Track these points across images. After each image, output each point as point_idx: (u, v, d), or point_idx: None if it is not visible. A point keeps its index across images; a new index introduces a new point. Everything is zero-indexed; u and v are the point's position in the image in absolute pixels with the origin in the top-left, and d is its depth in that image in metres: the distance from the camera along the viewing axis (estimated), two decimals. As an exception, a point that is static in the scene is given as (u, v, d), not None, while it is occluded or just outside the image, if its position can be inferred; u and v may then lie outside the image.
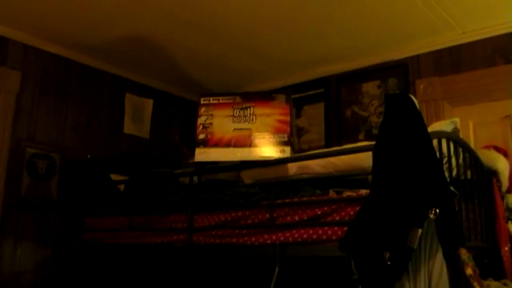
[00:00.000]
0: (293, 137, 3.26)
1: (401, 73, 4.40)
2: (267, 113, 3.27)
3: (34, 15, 3.96)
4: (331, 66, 4.78)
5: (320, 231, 2.68)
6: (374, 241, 2.25)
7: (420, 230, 2.15)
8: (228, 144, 3.26)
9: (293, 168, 3.04)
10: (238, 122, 3.29)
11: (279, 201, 2.91)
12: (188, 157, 3.58)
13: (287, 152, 3.12)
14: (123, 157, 4.62)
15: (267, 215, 2.91)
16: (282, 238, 2.83)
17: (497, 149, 3.26)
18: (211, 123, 3.34)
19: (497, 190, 3.06)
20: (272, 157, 3.09)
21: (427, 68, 4.29)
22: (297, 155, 3.22)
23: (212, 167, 3.44)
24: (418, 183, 2.21)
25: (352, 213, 2.57)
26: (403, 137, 2.30)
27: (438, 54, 4.25)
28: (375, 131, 4.40)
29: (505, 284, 2.74)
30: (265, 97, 3.33)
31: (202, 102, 3.43)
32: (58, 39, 4.38)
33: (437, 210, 2.17)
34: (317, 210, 2.71)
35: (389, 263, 2.19)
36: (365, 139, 4.47)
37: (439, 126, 2.90)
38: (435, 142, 2.42)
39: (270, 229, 2.89)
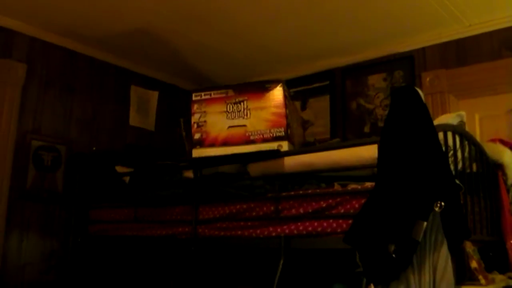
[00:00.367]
0: (291, 130, 3.21)
1: (407, 66, 4.38)
2: (262, 106, 3.22)
3: (40, 8, 3.96)
4: (336, 58, 4.76)
5: (325, 224, 2.68)
6: (379, 234, 2.25)
7: (425, 223, 2.15)
8: (224, 143, 3.25)
9: (298, 166, 3.02)
10: (232, 119, 3.25)
11: (284, 193, 2.91)
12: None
13: (284, 147, 3.10)
14: (128, 149, 4.62)
15: (272, 208, 2.92)
16: (287, 231, 2.83)
17: (503, 142, 3.25)
18: (205, 121, 3.30)
19: (502, 184, 3.05)
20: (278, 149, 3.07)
21: (433, 61, 4.27)
22: (302, 148, 3.20)
23: (217, 159, 3.42)
24: (423, 176, 2.21)
25: (357, 205, 2.57)
26: (409, 130, 2.30)
27: (444, 47, 4.23)
28: (380, 124, 4.38)
29: (510, 278, 2.73)
30: (258, 88, 3.26)
31: (194, 98, 3.38)
32: (64, 32, 4.38)
33: (442, 203, 2.17)
34: (322, 202, 2.72)
35: (394, 256, 2.19)
36: (371, 132, 4.46)
37: (445, 119, 2.89)
38: (440, 135, 2.41)
39: (275, 222, 2.90)
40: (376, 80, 4.57)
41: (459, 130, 2.69)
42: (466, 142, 2.75)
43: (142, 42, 4.55)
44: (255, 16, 4.02)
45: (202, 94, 3.35)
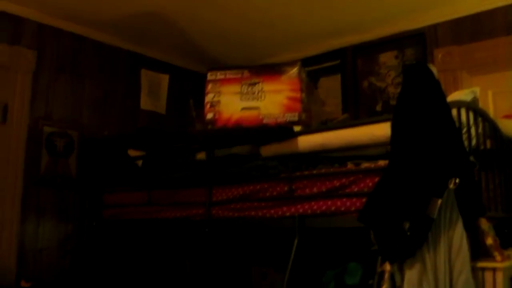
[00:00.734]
0: (307, 114, 3.18)
1: (418, 43, 4.33)
2: (277, 89, 3.18)
3: (48, -7, 3.96)
4: (347, 37, 4.72)
5: (339, 203, 2.69)
6: (393, 212, 2.24)
7: (439, 200, 2.15)
8: (237, 125, 3.23)
9: (310, 146, 3.01)
10: (246, 100, 3.22)
11: (298, 173, 2.91)
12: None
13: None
14: (140, 133, 4.63)
15: (286, 188, 2.92)
16: (301, 210, 2.84)
17: (517, 118, 3.22)
18: (218, 101, 3.28)
19: (517, 160, 3.03)
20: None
21: (445, 37, 4.22)
22: (314, 127, 3.19)
23: (230, 140, 3.41)
24: (437, 153, 2.20)
25: (370, 184, 2.57)
26: (422, 107, 2.28)
27: (456, 23, 4.17)
28: (392, 102, 4.35)
29: (525, 254, 2.72)
30: (274, 71, 3.22)
31: (209, 77, 3.35)
32: (73, 17, 4.37)
33: (457, 180, 2.16)
34: (335, 181, 2.72)
35: (408, 233, 2.18)
36: (383, 111, 4.44)
37: (458, 95, 2.86)
38: (454, 111, 2.39)
39: (289, 202, 2.91)
40: (387, 58, 4.53)
41: (472, 107, 2.66)
42: (479, 119, 2.72)
43: (151, 25, 4.53)
44: (265, -4, 3.99)
45: (218, 73, 3.32)
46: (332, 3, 4.09)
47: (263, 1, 4.06)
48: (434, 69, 2.40)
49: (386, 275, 2.28)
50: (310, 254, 3.03)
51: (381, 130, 2.62)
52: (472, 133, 2.59)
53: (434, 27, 4.28)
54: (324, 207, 2.74)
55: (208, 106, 3.30)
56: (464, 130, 2.54)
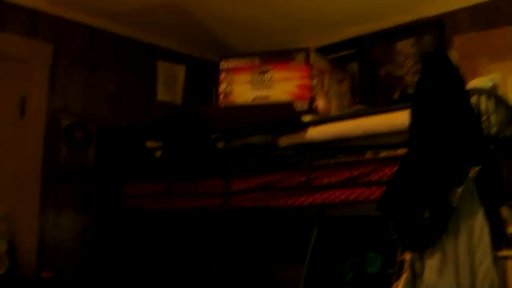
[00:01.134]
0: (323, 101, 3.16)
1: (436, 30, 4.27)
2: (287, 77, 3.15)
3: (64, -14, 3.97)
4: (364, 25, 4.67)
5: (358, 192, 2.68)
6: (413, 201, 2.23)
7: (460, 189, 2.13)
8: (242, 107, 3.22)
9: (328, 136, 2.99)
10: (257, 89, 3.20)
11: (316, 163, 2.90)
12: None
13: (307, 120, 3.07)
14: (158, 122, 4.64)
15: (304, 177, 2.91)
16: (319, 200, 2.83)
17: (538, 105, 3.17)
18: (231, 91, 3.27)
19: (538, 147, 2.99)
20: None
21: (463, 24, 4.15)
22: (333, 116, 3.17)
23: (248, 130, 3.40)
24: (457, 141, 2.18)
25: (389, 173, 2.55)
26: (441, 94, 2.26)
27: (475, 9, 4.10)
28: (410, 91, 4.31)
29: (548, 242, 2.69)
30: (284, 57, 3.19)
31: (222, 66, 3.34)
32: (88, 9, 4.38)
33: (477, 169, 2.14)
34: (354, 171, 2.70)
35: (428, 222, 2.17)
36: (400, 99, 4.39)
37: (477, 82, 2.82)
38: (473, 99, 2.36)
39: (307, 191, 2.90)
40: (404, 46, 4.48)
41: (492, 94, 2.62)
42: (500, 106, 2.68)
43: (167, 16, 4.53)
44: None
45: (230, 62, 3.30)
46: (349, -9, 4.06)
47: (279, -11, 4.04)
48: (453, 56, 2.37)
49: (406, 264, 2.27)
50: (329, 243, 3.02)
51: (400, 118, 2.60)
52: (492, 121, 2.55)
53: (453, 13, 4.21)
54: (343, 196, 2.73)
55: (221, 96, 3.30)
56: (484, 117, 2.51)
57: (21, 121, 4.02)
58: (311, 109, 3.06)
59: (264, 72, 3.22)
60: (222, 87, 3.29)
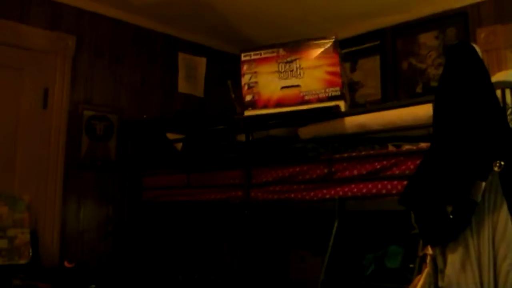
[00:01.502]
0: (345, 90, 3.14)
1: (460, 22, 4.22)
2: (315, 65, 3.10)
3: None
4: (386, 17, 4.63)
5: (379, 186, 2.66)
6: (435, 195, 2.21)
7: (483, 183, 2.10)
8: (277, 105, 3.16)
9: (351, 128, 2.97)
10: (285, 79, 3.15)
11: (337, 155, 2.88)
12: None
13: (341, 106, 3.03)
14: (179, 116, 4.66)
15: (325, 170, 2.90)
16: (341, 193, 2.82)
17: None
18: (256, 82, 3.22)
19: None
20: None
21: (488, 16, 4.09)
22: (356, 109, 3.14)
23: (269, 119, 3.38)
24: (481, 135, 2.15)
25: (412, 166, 2.53)
26: (466, 87, 2.23)
27: (500, 1, 4.04)
28: (433, 84, 4.27)
29: None
30: (310, 46, 3.15)
31: (243, 58, 3.29)
32: (111, 2, 4.41)
33: (502, 163, 2.10)
34: (376, 164, 2.69)
35: (451, 217, 2.15)
36: (423, 92, 4.35)
37: (502, 75, 2.78)
38: (498, 92, 2.32)
39: (328, 184, 2.89)
40: (428, 39, 4.44)
41: (518, 87, 2.58)
42: (526, 99, 2.64)
43: (188, 9, 4.53)
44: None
45: (252, 54, 3.26)
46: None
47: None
48: (478, 49, 2.34)
49: (428, 259, 2.25)
50: (349, 237, 3.01)
51: (423, 112, 2.58)
52: (517, 114, 2.51)
53: (477, 5, 4.16)
54: (364, 190, 2.72)
55: (245, 88, 3.25)
56: (509, 111, 2.47)
57: (43, 112, 4.05)
58: (343, 95, 3.02)
59: (290, 62, 3.18)
60: (245, 79, 3.25)
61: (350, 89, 4.82)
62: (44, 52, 4.09)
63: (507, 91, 2.45)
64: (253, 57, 3.26)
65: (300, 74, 3.12)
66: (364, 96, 4.78)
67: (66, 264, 3.70)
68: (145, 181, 4.31)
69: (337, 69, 3.07)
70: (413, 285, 2.27)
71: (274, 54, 3.22)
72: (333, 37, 3.17)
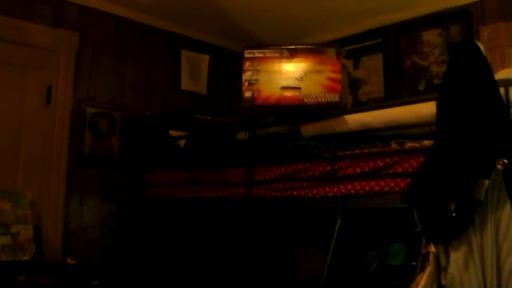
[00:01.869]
0: (343, 94, 3.15)
1: (463, 20, 4.21)
2: (317, 69, 3.15)
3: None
4: (389, 14, 4.62)
5: (382, 183, 2.66)
6: (438, 193, 2.20)
7: (487, 181, 2.10)
8: (276, 104, 3.19)
9: (354, 125, 2.98)
10: (286, 80, 3.17)
11: (340, 153, 2.88)
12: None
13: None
14: (181, 114, 4.66)
15: (328, 168, 2.90)
16: (343, 191, 2.82)
17: None
18: (257, 80, 3.24)
19: None
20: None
21: (492, 14, 4.08)
22: (358, 107, 3.15)
23: (272, 121, 3.40)
24: (484, 132, 2.14)
25: (415, 164, 2.53)
26: (469, 85, 2.22)
27: (503, -2, 4.04)
28: (436, 81, 4.27)
29: None
30: (314, 51, 3.20)
31: (246, 55, 3.30)
32: (114, -1, 4.42)
33: (505, 161, 2.10)
34: (379, 162, 2.69)
35: (454, 215, 2.14)
36: (426, 90, 4.35)
37: (506, 73, 2.78)
38: (502, 90, 2.32)
39: (331, 182, 2.89)
40: (431, 36, 4.43)
41: (521, 85, 2.58)
42: (529, 97, 2.64)
43: (191, 6, 4.53)
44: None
45: (255, 52, 3.28)
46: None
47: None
48: (481, 46, 2.33)
49: (431, 257, 2.25)
50: (352, 234, 3.01)
51: (426, 109, 2.58)
52: (521, 112, 2.51)
53: (481, 3, 4.15)
54: (367, 188, 2.72)
55: (246, 84, 3.26)
56: (513, 109, 2.47)
57: (47, 109, 4.06)
58: (341, 102, 3.05)
59: (293, 64, 3.21)
60: (246, 75, 3.27)
61: (353, 86, 4.84)
62: (48, 49, 4.10)
63: (511, 89, 2.45)
64: (256, 55, 3.27)
65: (301, 77, 3.15)
66: (367, 93, 4.78)
67: (69, 260, 3.71)
68: (148, 178, 4.31)
69: (338, 76, 3.11)
70: (416, 283, 2.26)
71: (278, 55, 3.24)
72: (338, 44, 3.20)
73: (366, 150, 2.79)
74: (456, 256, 2.15)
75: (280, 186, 3.15)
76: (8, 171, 3.83)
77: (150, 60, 4.83)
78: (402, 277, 2.76)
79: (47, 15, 4.10)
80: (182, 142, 4.14)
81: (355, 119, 2.96)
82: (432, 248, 2.25)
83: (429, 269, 2.24)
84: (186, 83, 5.08)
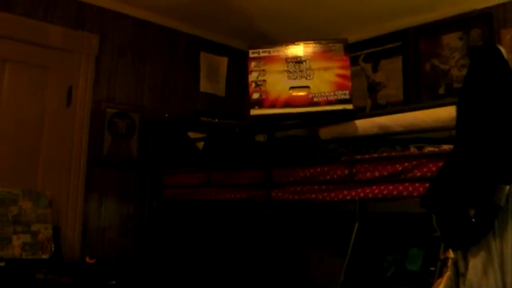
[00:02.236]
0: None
1: (484, 23, 4.16)
2: (325, 66, 3.06)
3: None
4: (409, 17, 4.59)
5: (400, 187, 2.64)
6: (458, 198, 2.19)
7: (507, 187, 2.09)
8: (285, 105, 3.11)
9: (373, 128, 2.96)
10: (294, 79, 3.09)
11: (359, 156, 2.87)
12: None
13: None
14: (199, 118, 4.69)
15: (346, 171, 2.90)
16: (362, 194, 2.81)
17: None
18: (264, 80, 3.15)
19: None
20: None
21: (513, 17, 4.05)
22: (379, 110, 3.12)
23: (290, 123, 3.38)
24: (506, 137, 2.13)
25: (434, 169, 2.51)
26: (490, 89, 2.21)
27: (526, 1, 3.99)
28: (456, 85, 4.23)
29: None
30: (321, 47, 3.10)
31: (251, 55, 3.20)
32: (134, 1, 4.44)
33: (527, 167, 2.08)
34: (397, 166, 2.67)
35: (474, 220, 2.13)
36: (446, 94, 4.31)
37: (527, 78, 2.75)
38: (524, 95, 2.30)
39: (349, 185, 2.88)
40: (451, 40, 4.39)
41: (544, 89, 2.55)
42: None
43: (210, 8, 4.54)
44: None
45: (260, 51, 3.19)
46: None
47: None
48: (503, 50, 2.32)
49: (450, 262, 2.24)
50: (370, 238, 2.99)
51: (446, 113, 2.56)
52: (543, 117, 2.48)
53: (502, 6, 4.09)
54: (385, 192, 2.70)
55: (253, 85, 3.16)
56: (535, 114, 2.44)
57: (67, 110, 4.10)
58: (352, 99, 3.00)
59: (300, 62, 3.14)
60: (252, 76, 3.20)
61: (371, 90, 4.81)
62: (68, 51, 4.14)
63: (532, 94, 2.43)
64: (261, 54, 3.20)
65: (310, 75, 3.09)
66: (385, 97, 4.75)
67: (87, 259, 3.74)
68: (166, 180, 4.33)
69: (347, 72, 3.04)
70: (433, 288, 2.25)
71: (284, 53, 3.17)
72: (345, 39, 3.13)
73: (384, 154, 2.78)
74: (475, 263, 2.14)
75: (298, 189, 3.15)
76: (29, 171, 3.88)
77: (169, 62, 4.85)
78: (419, 282, 2.74)
79: (68, 17, 4.14)
80: (200, 144, 4.15)
81: (374, 123, 2.95)
82: (451, 254, 2.24)
83: (447, 275, 2.23)
84: (204, 85, 5.09)
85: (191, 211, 4.28)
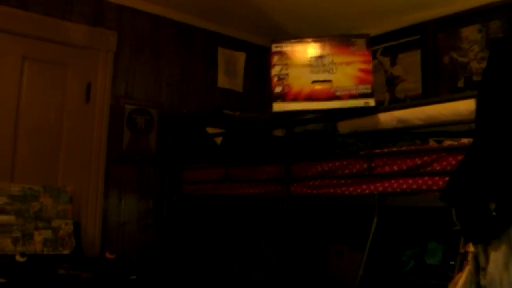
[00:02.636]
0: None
1: (504, 15, 4.11)
2: (348, 61, 3.07)
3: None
4: (427, 10, 4.54)
5: (420, 181, 2.63)
6: (478, 192, 2.17)
7: (529, 180, 2.06)
8: (307, 98, 3.11)
9: (392, 122, 2.95)
10: (316, 73, 3.12)
11: (378, 150, 2.86)
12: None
13: (371, 104, 3.01)
14: (214, 111, 4.70)
15: (365, 165, 2.89)
16: (380, 188, 2.80)
17: None
18: (286, 74, 3.16)
19: None
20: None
21: (534, 9, 3.99)
22: (395, 104, 3.11)
23: (309, 118, 3.38)
24: (526, 130, 2.10)
25: (453, 162, 2.50)
26: (510, 82, 2.18)
27: (547, -7, 3.94)
28: (475, 78, 4.19)
29: None
30: (343, 42, 3.13)
31: (274, 49, 3.23)
32: (151, -3, 4.48)
33: (548, 159, 2.06)
34: (417, 159, 2.66)
35: (494, 214, 2.11)
36: (465, 87, 4.27)
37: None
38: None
39: (368, 179, 2.87)
40: (470, 32, 4.34)
41: None
42: None
43: (228, 3, 4.55)
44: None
45: (283, 45, 3.22)
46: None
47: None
48: (523, 43, 2.29)
49: (470, 256, 2.22)
50: (389, 232, 2.99)
51: (465, 107, 2.54)
52: None
53: (522, -3, 4.06)
54: (404, 186, 2.69)
55: (275, 79, 3.17)
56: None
57: (86, 106, 4.14)
58: (373, 93, 3.00)
59: (323, 56, 3.15)
60: (275, 70, 3.21)
61: (390, 83, 4.78)
62: (87, 48, 4.18)
63: (553, 86, 2.40)
64: (284, 48, 3.22)
65: (332, 69, 3.09)
66: (404, 90, 4.71)
67: (107, 255, 3.77)
68: (185, 175, 4.35)
69: (369, 66, 3.06)
70: (454, 283, 2.24)
71: (306, 48, 3.19)
72: (367, 34, 3.14)
73: (403, 148, 2.77)
74: (496, 256, 2.11)
75: (317, 184, 3.15)
76: (49, 168, 3.93)
77: (186, 58, 4.87)
78: (439, 276, 2.73)
79: (86, 14, 4.18)
80: (218, 139, 4.17)
81: (393, 116, 2.93)
82: (471, 248, 2.23)
83: (467, 268, 2.21)
84: (222, 81, 5.10)
85: (210, 206, 4.30)
